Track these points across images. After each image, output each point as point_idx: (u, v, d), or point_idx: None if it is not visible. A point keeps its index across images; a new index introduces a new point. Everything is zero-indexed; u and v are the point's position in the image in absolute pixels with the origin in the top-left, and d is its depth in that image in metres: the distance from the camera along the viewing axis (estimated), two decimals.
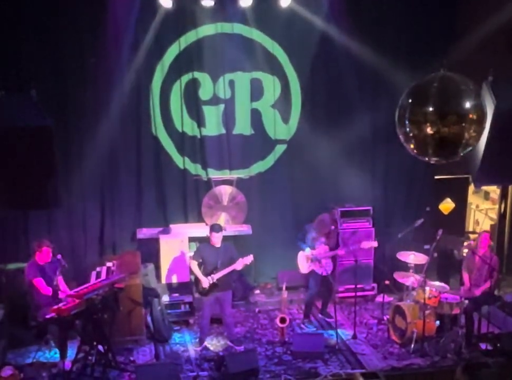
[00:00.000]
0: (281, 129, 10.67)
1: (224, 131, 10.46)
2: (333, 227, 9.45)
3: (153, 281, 9.64)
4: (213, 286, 8.56)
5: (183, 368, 8.23)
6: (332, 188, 10.64)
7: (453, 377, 4.81)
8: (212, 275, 8.53)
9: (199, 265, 8.67)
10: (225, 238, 8.86)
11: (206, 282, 8.53)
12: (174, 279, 9.84)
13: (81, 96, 9.60)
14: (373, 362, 8.40)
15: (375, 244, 9.70)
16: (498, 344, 8.49)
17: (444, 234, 9.09)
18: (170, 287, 9.80)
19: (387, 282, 9.79)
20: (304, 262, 9.37)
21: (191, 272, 9.15)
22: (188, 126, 10.35)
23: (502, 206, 11.19)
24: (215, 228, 8.63)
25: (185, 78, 10.20)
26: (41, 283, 8.09)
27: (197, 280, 8.70)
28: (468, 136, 6.54)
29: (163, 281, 9.82)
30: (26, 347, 8.64)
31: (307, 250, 9.27)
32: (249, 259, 8.66)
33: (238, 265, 8.59)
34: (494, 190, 11.64)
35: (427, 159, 6.93)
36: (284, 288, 9.22)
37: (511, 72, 8.58)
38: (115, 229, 10.26)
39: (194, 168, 10.50)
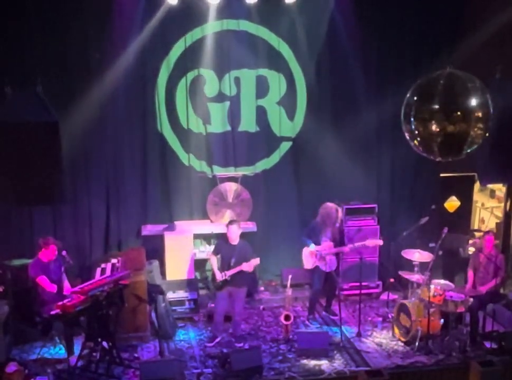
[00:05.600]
0: (286, 126, 10.65)
1: (229, 128, 10.45)
2: (338, 218, 9.38)
3: (158, 277, 9.65)
4: (225, 282, 8.65)
5: (188, 364, 8.23)
6: (338, 186, 10.60)
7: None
8: (225, 272, 8.61)
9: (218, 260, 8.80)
10: None
11: (219, 276, 8.64)
12: (179, 276, 9.84)
13: (87, 92, 9.57)
14: (377, 360, 8.38)
15: (380, 242, 9.66)
16: (503, 343, 8.46)
17: (449, 232, 9.08)
18: (175, 284, 9.80)
19: (392, 280, 9.77)
20: (309, 257, 9.36)
21: (198, 268, 9.22)
22: (193, 123, 10.34)
23: (508, 204, 11.14)
24: (231, 221, 8.82)
25: (191, 75, 10.19)
26: (45, 281, 8.10)
27: (213, 275, 8.79)
28: (474, 134, 6.53)
29: (168, 277, 9.83)
30: (30, 343, 8.66)
31: (312, 246, 9.26)
32: (255, 261, 8.74)
33: (245, 267, 8.64)
34: (500, 188, 11.60)
35: (432, 156, 6.92)
36: (288, 285, 9.20)
37: None
38: (120, 225, 10.26)
39: (199, 165, 10.50)
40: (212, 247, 9.44)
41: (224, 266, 8.70)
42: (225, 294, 8.75)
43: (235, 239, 8.68)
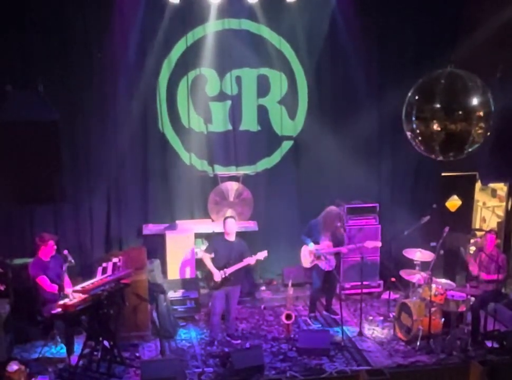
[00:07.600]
0: (288, 125, 10.65)
1: (230, 127, 10.45)
2: (339, 223, 9.40)
3: (159, 276, 9.63)
4: (225, 280, 8.60)
5: (189, 364, 8.22)
6: (339, 185, 10.63)
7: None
8: (225, 270, 8.57)
9: (211, 259, 8.71)
10: None
11: (218, 275, 8.56)
12: (180, 275, 9.84)
13: (88, 91, 9.62)
14: (379, 359, 8.38)
15: (379, 244, 9.69)
16: (504, 342, 8.46)
17: (451, 231, 9.06)
18: (176, 283, 9.80)
19: (393, 279, 9.76)
20: (307, 256, 9.37)
21: (199, 267, 9.16)
22: (194, 122, 10.34)
23: (509, 203, 11.13)
24: (227, 217, 8.84)
25: (192, 74, 10.19)
26: (45, 281, 8.04)
27: (208, 274, 8.74)
28: (475, 133, 6.53)
29: (169, 276, 9.83)
30: (32, 342, 8.66)
31: (311, 245, 9.25)
32: (263, 254, 8.74)
33: (252, 260, 8.64)
34: (501, 188, 11.59)
35: (434, 155, 6.91)
36: (290, 285, 9.20)
37: None
38: (122, 225, 10.26)
39: (200, 164, 10.50)
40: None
41: (220, 264, 8.62)
42: (222, 293, 8.72)
43: (232, 234, 8.67)
